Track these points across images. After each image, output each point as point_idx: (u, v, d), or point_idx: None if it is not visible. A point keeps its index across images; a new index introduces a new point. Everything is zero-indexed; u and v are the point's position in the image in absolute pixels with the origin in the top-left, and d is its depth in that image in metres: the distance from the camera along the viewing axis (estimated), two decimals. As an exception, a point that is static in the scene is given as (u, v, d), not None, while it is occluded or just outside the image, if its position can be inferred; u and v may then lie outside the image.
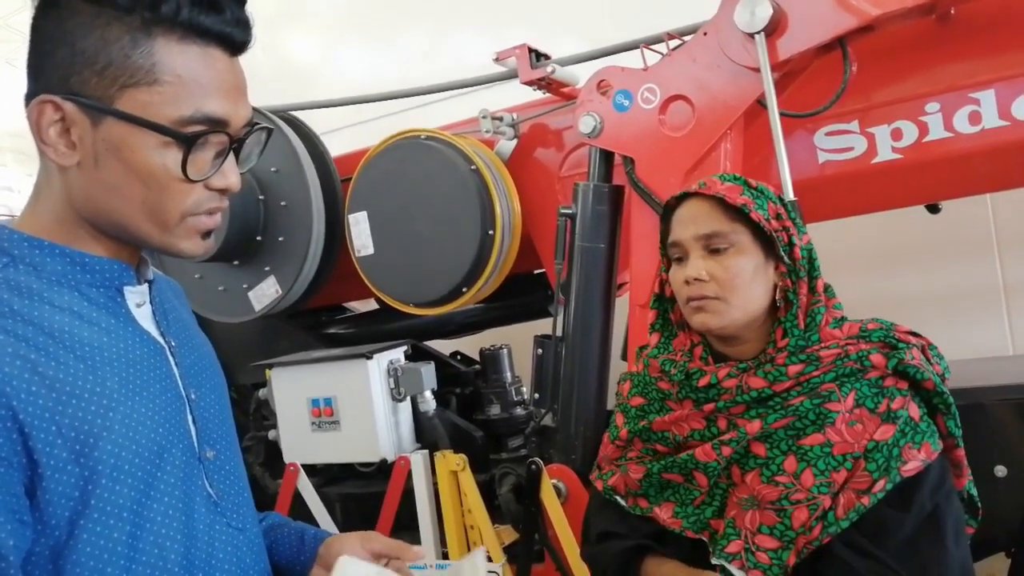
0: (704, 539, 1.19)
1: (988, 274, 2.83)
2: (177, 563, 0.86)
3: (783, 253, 1.18)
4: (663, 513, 1.23)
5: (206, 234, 0.92)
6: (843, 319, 1.22)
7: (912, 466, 1.11)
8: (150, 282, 0.96)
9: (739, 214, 1.17)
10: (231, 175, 0.89)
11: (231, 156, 0.89)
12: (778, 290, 1.20)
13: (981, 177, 1.91)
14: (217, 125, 0.85)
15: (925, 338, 1.23)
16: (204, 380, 0.99)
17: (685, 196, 1.24)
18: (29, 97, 0.85)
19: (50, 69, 0.83)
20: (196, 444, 0.93)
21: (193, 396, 0.95)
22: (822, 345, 1.17)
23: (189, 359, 0.97)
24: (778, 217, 1.19)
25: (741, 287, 1.17)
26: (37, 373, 0.79)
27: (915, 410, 1.15)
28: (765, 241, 1.18)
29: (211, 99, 0.84)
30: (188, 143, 0.83)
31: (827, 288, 1.23)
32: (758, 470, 1.15)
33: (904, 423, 1.13)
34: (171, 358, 0.94)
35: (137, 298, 0.93)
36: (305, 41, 4.23)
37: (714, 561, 1.16)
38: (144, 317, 0.93)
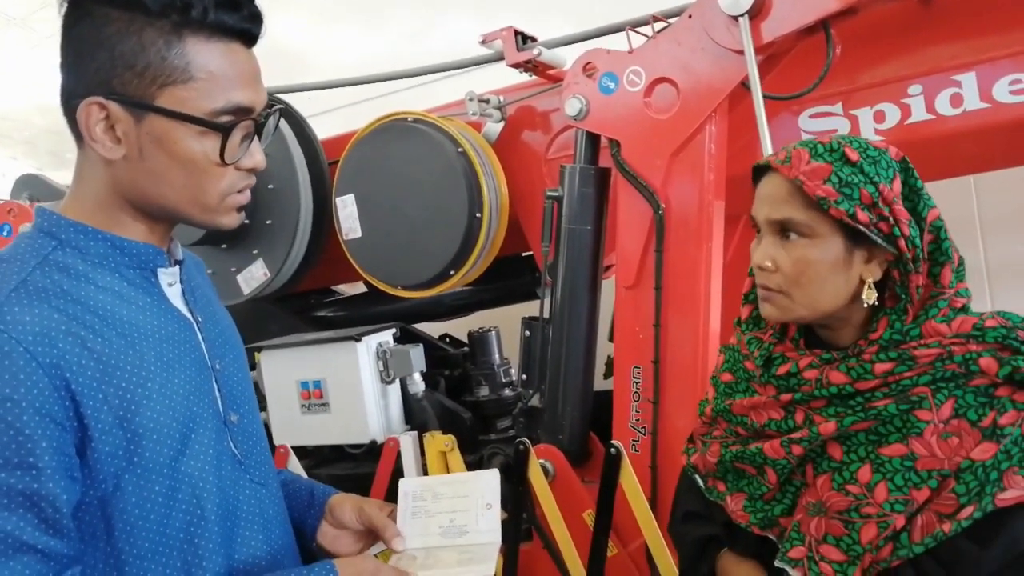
0: (772, 537, 1.10)
1: (971, 256, 2.83)
2: (213, 511, 0.97)
3: (886, 245, 1.02)
4: (733, 504, 1.14)
5: (240, 208, 1.02)
6: (962, 309, 1.04)
7: (1012, 495, 0.93)
8: (180, 262, 1.05)
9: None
10: (257, 155, 1.00)
11: (255, 138, 0.99)
12: (866, 286, 1.05)
13: (963, 159, 1.93)
14: (245, 112, 0.95)
15: None
16: (227, 351, 1.09)
17: (767, 168, 1.09)
18: (69, 97, 0.93)
19: (91, 72, 0.91)
20: (222, 409, 1.03)
21: (218, 366, 1.04)
22: (920, 342, 1.01)
23: (213, 332, 1.07)
24: (873, 205, 1.01)
25: (808, 283, 1.05)
26: (86, 348, 0.88)
27: None
28: (854, 230, 1.03)
29: (238, 90, 0.94)
30: (225, 132, 0.93)
31: (957, 271, 1.04)
32: (830, 474, 1.04)
33: (1013, 443, 0.95)
34: (198, 333, 1.03)
35: (169, 278, 1.02)
36: (293, 23, 4.19)
37: (777, 564, 1.07)
38: (175, 295, 1.03)
